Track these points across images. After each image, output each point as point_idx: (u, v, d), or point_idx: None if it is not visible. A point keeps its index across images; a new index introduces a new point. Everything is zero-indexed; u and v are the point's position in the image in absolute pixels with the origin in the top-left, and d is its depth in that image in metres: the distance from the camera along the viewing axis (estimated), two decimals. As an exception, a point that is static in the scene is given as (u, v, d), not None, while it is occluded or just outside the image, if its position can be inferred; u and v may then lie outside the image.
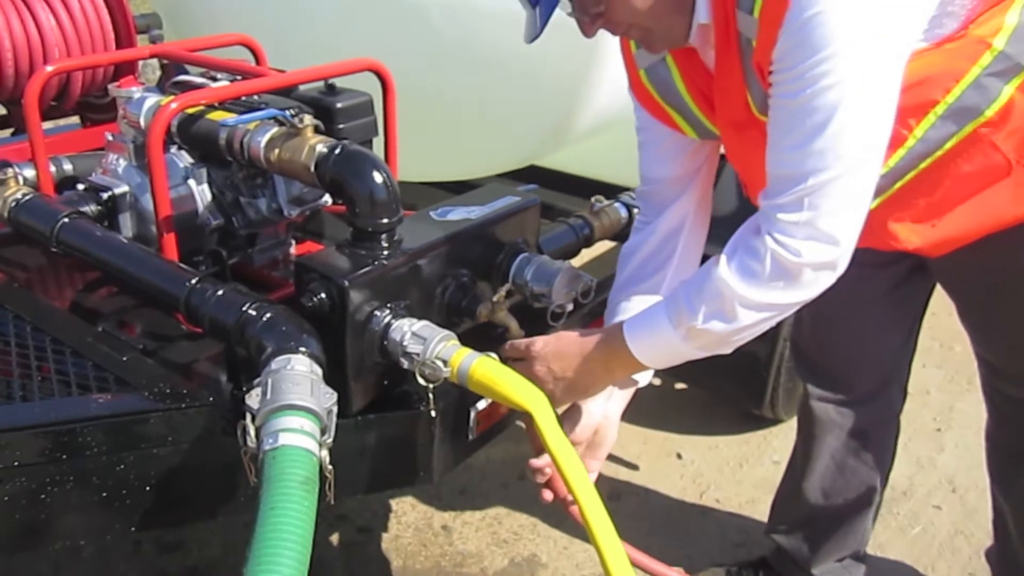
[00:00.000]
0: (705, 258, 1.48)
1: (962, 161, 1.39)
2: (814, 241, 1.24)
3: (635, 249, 1.69)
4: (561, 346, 1.48)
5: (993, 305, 1.67)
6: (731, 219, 1.59)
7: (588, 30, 1.38)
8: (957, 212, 1.44)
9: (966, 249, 1.50)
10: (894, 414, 2.02)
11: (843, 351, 1.92)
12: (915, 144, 1.37)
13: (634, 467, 2.75)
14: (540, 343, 1.49)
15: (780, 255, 1.25)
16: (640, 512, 2.57)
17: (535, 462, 1.54)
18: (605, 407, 1.60)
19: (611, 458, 2.76)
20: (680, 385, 3.10)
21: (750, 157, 1.41)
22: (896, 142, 1.33)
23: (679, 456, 2.81)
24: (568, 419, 1.55)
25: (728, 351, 1.40)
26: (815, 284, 1.29)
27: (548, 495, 1.57)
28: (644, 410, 3.00)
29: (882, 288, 1.78)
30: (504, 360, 1.49)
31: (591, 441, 1.61)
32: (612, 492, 2.63)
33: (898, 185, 1.42)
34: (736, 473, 2.73)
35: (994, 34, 1.31)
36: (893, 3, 1.20)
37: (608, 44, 2.29)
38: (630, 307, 1.60)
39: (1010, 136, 1.36)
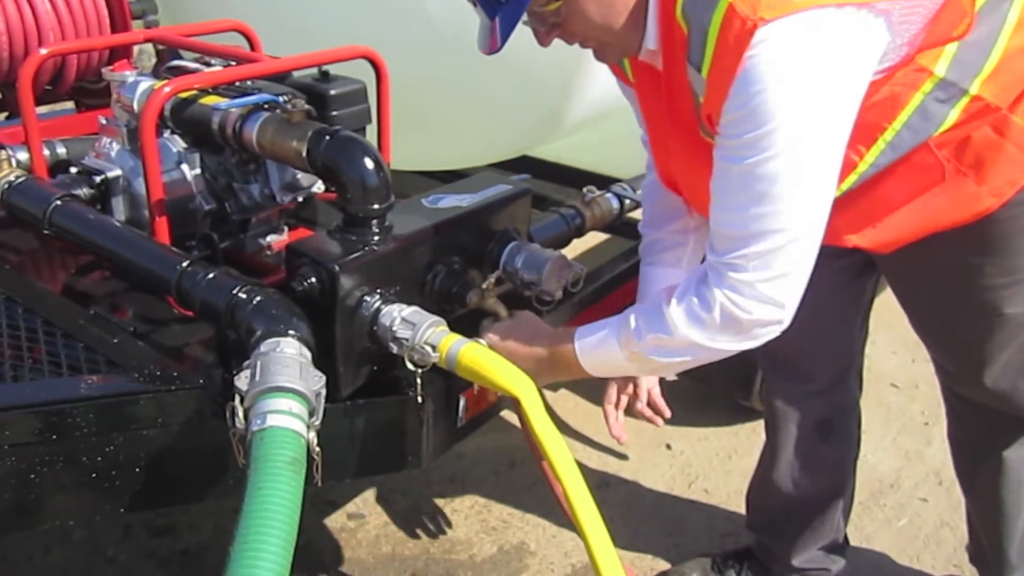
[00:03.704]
0: None
1: (899, 162, 1.42)
2: (760, 302, 1.30)
3: (652, 189, 1.77)
4: (511, 345, 1.52)
5: (936, 306, 1.70)
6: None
7: (544, 40, 1.40)
8: (897, 215, 1.47)
9: (910, 248, 1.52)
10: (854, 401, 2.05)
11: (801, 342, 1.93)
12: (866, 169, 1.40)
13: (623, 457, 2.77)
14: (493, 330, 1.53)
15: (730, 310, 1.30)
16: (629, 501, 2.58)
17: None
18: None
19: (600, 448, 2.79)
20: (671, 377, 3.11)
21: (695, 173, 1.44)
22: (847, 168, 1.37)
23: (668, 447, 2.82)
24: None
25: (670, 376, 1.47)
26: (761, 338, 1.36)
27: None
28: (634, 401, 3.02)
29: (837, 279, 1.79)
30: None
31: None
32: (601, 481, 2.64)
33: (845, 186, 1.44)
34: (725, 464, 2.74)
35: (935, 62, 1.33)
36: (841, 73, 1.22)
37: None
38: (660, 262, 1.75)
39: (945, 143, 1.40)
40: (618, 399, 1.79)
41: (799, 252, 1.28)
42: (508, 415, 2.61)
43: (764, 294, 1.29)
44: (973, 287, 1.59)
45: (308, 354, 1.33)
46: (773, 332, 1.35)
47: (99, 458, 1.38)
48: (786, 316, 1.33)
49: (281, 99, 1.72)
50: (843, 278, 1.80)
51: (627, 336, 1.41)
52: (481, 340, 1.48)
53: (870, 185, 1.45)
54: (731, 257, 1.29)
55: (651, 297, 1.44)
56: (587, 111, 2.54)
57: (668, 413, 1.76)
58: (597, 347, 1.46)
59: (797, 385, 1.99)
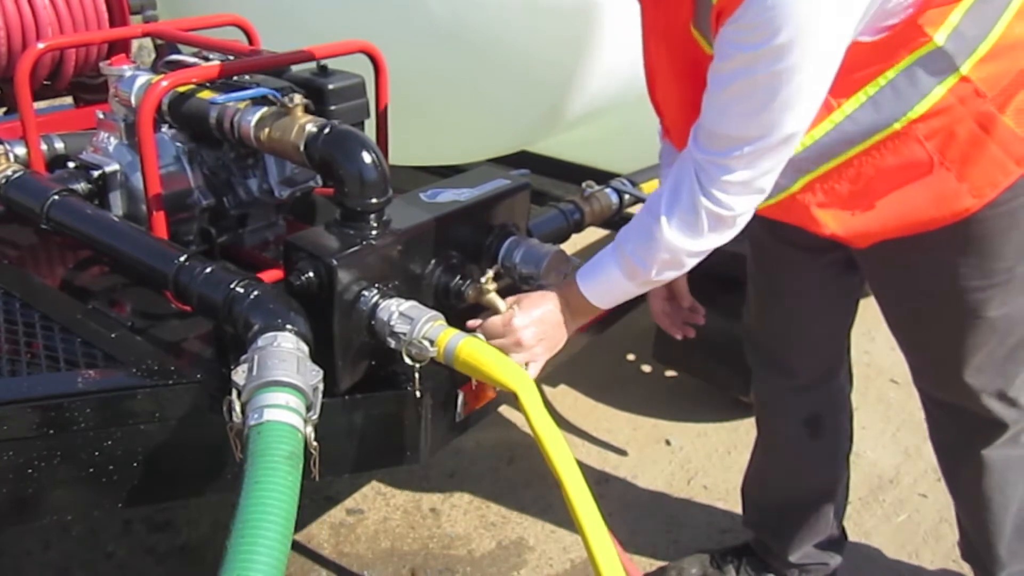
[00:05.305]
0: None
1: (888, 153, 1.41)
2: (747, 195, 1.36)
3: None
4: (534, 312, 1.53)
5: (913, 306, 1.68)
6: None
7: None
8: (879, 206, 1.46)
9: (889, 247, 1.52)
10: (845, 397, 2.04)
11: (788, 337, 1.94)
12: (843, 120, 1.39)
13: (623, 453, 2.77)
14: (517, 317, 1.52)
15: (715, 212, 1.36)
16: (628, 497, 2.58)
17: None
18: None
19: (599, 444, 2.79)
20: (670, 372, 3.12)
21: (673, 77, 1.43)
22: (824, 111, 1.37)
23: (668, 442, 2.82)
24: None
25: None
26: (741, 225, 1.42)
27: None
28: (633, 397, 3.03)
29: (822, 276, 1.79)
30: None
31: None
32: (600, 477, 2.64)
33: (823, 169, 1.45)
34: (724, 460, 2.74)
35: (936, 27, 1.32)
36: None
37: (602, 30, 2.30)
38: None
39: (934, 134, 1.38)
40: (663, 307, 1.87)
41: (787, 149, 1.32)
42: (507, 411, 2.62)
43: (754, 187, 1.34)
44: (950, 288, 1.58)
45: (306, 348, 1.32)
46: (749, 217, 1.41)
47: (97, 453, 1.38)
48: (761, 200, 1.39)
49: (279, 93, 1.71)
50: (828, 275, 1.80)
51: (632, 269, 1.45)
52: (479, 335, 1.47)
53: (856, 172, 1.44)
54: (725, 158, 1.32)
55: (636, 221, 1.47)
56: (586, 107, 2.53)
57: (703, 309, 1.86)
58: (606, 286, 1.51)
59: (784, 380, 1.99)
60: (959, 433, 1.83)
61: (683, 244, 1.40)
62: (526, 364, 1.51)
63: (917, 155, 1.40)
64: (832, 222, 1.50)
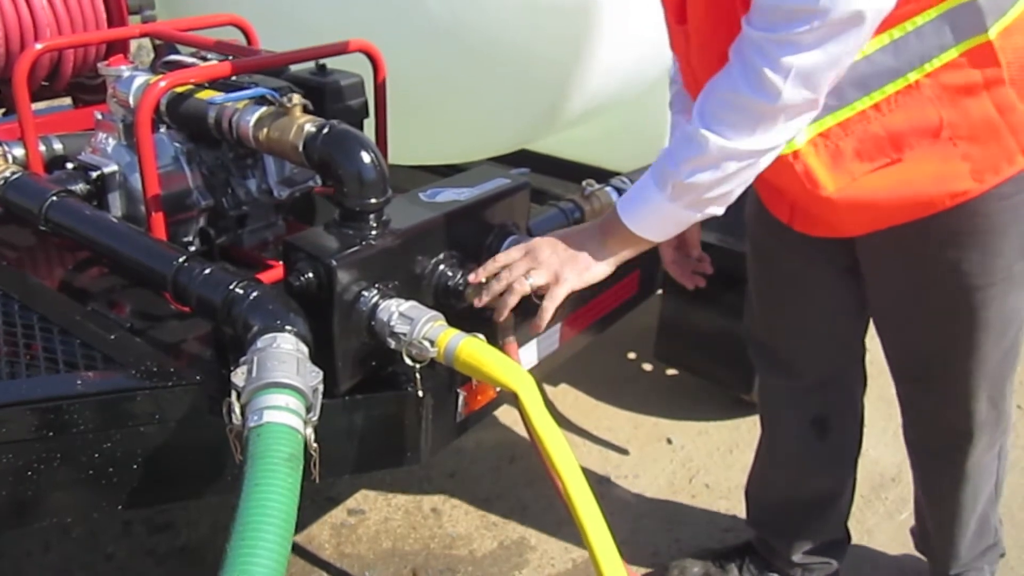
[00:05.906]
0: None
1: (899, 108, 1.36)
2: (801, 88, 1.23)
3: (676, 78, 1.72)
4: (555, 234, 1.51)
5: (904, 304, 1.65)
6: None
7: None
8: (880, 173, 1.41)
9: (886, 239, 1.50)
10: (853, 400, 2.01)
11: (793, 337, 1.92)
12: (860, 60, 1.31)
13: (624, 451, 2.76)
14: (535, 238, 1.51)
15: (756, 103, 1.25)
16: (629, 496, 2.58)
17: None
18: None
19: (600, 443, 2.79)
20: (671, 371, 3.11)
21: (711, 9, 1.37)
22: None
23: (669, 441, 2.82)
24: None
25: (721, 211, 1.41)
26: (790, 129, 1.30)
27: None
28: (634, 395, 3.02)
29: (827, 276, 1.77)
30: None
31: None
32: (602, 476, 2.64)
33: (832, 120, 1.39)
34: (726, 458, 2.74)
35: None
36: None
37: (601, 28, 2.29)
38: None
39: (948, 98, 1.34)
40: (673, 256, 1.80)
41: (858, 34, 1.19)
42: (507, 411, 2.61)
43: (812, 80, 1.22)
44: (950, 287, 1.55)
45: (305, 349, 1.32)
46: (802, 123, 1.30)
47: (96, 455, 1.37)
48: (815, 105, 1.27)
49: (278, 93, 1.71)
50: (829, 277, 1.77)
51: (662, 172, 1.38)
52: (479, 335, 1.47)
53: (863, 128, 1.39)
54: (791, 33, 1.18)
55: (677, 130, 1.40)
56: (586, 105, 2.53)
57: (709, 258, 1.80)
58: (637, 200, 1.44)
59: (788, 380, 1.97)
60: (940, 442, 1.81)
61: (718, 140, 1.29)
62: (547, 285, 1.48)
63: (928, 117, 1.36)
64: (831, 184, 1.43)
